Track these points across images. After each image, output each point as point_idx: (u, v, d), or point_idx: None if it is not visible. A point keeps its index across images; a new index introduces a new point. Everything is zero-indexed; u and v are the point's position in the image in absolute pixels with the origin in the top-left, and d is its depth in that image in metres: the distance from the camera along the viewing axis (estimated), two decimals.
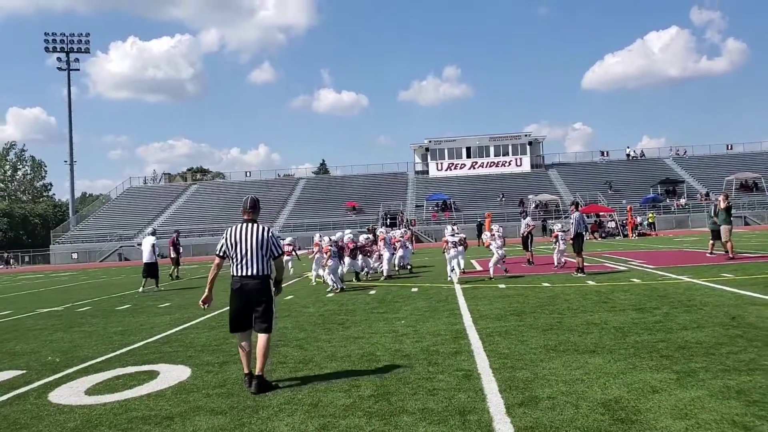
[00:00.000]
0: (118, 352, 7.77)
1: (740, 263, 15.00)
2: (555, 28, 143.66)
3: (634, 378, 5.19)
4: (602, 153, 70.57)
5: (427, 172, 68.31)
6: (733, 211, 17.45)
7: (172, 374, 6.29)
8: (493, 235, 15.24)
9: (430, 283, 14.64)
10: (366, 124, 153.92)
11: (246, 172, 75.50)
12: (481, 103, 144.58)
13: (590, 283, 12.64)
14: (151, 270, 17.11)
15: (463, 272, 15.34)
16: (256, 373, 5.53)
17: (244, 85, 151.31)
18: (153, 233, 18.76)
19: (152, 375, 6.33)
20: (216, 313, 11.11)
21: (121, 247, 54.44)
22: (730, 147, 68.35)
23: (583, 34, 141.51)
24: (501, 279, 14.33)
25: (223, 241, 5.79)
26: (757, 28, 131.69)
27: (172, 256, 21.58)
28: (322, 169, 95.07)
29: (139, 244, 21.72)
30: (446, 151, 68.05)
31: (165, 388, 5.76)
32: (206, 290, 5.85)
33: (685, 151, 69.11)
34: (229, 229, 5.81)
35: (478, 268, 18.78)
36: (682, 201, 54.30)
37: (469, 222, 47.76)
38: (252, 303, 5.65)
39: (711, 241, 18.34)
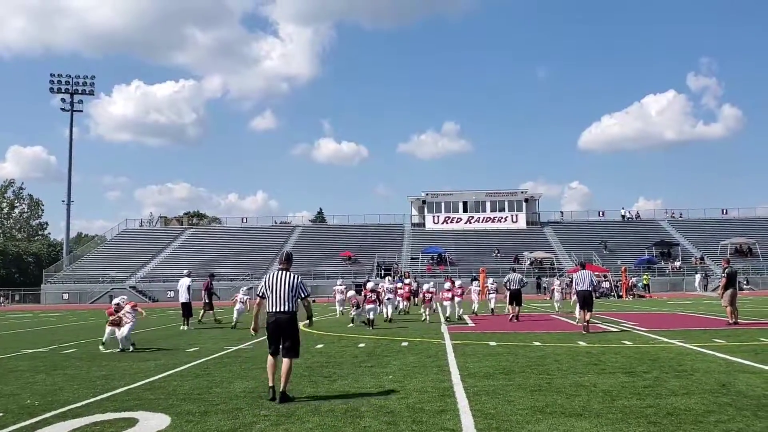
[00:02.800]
0: (99, 397, 7.63)
1: (733, 329, 14.93)
2: (553, 89, 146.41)
3: None
4: (599, 213, 70.98)
5: (423, 224, 68.53)
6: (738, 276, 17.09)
7: (150, 423, 6.17)
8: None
9: (421, 337, 14.50)
10: (365, 174, 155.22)
11: (242, 218, 75.53)
12: (479, 159, 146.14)
13: (581, 343, 12.54)
14: (187, 309, 18.68)
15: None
16: (281, 390, 7.08)
17: (245, 131, 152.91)
18: (188, 275, 19.88)
19: (131, 423, 6.20)
20: (202, 360, 10.99)
21: (112, 289, 54.00)
22: (725, 212, 68.86)
23: (581, 95, 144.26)
24: (492, 336, 14.22)
25: (263, 284, 7.49)
26: (753, 96, 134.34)
27: (206, 300, 20.92)
28: (319, 217, 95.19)
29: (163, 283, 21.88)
30: (443, 204, 68.40)
31: None
32: (253, 322, 7.86)
33: (681, 214, 69.60)
34: (267, 275, 7.56)
35: (470, 324, 18.65)
36: (677, 264, 54.35)
37: (464, 276, 47.57)
38: (283, 333, 7.26)
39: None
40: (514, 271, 21.24)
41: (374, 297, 18.10)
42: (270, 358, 7.38)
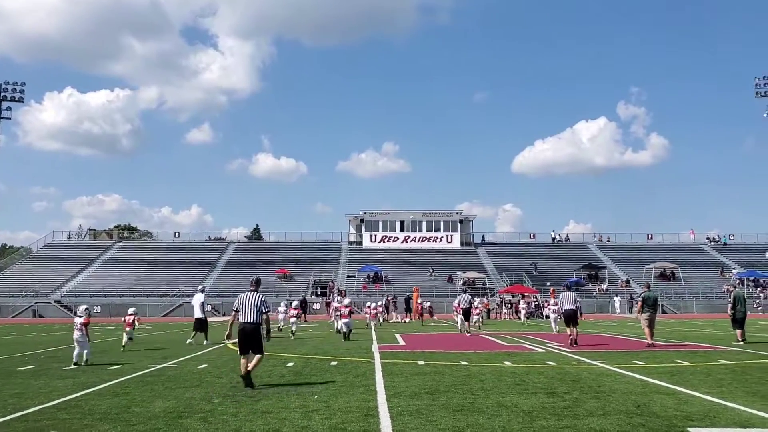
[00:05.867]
0: (8, 417, 7.30)
1: (652, 351, 15.49)
2: (489, 113, 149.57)
3: None
4: (530, 235, 72.71)
5: (360, 243, 68.60)
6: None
7: None
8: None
9: (351, 356, 14.48)
10: (303, 191, 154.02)
11: (175, 233, 73.70)
12: (417, 179, 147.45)
13: (507, 363, 12.78)
14: (201, 325, 18.70)
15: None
16: (249, 369, 9.39)
17: (181, 144, 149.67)
18: (202, 290, 20.27)
19: None
20: (123, 378, 10.67)
21: (36, 303, 51.72)
22: (650, 236, 71.63)
23: (515, 119, 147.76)
24: (422, 355, 14.34)
25: (237, 302, 9.78)
26: (679, 125, 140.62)
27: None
28: (256, 234, 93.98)
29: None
30: (380, 223, 68.74)
31: None
32: (228, 329, 10.60)
33: (609, 238, 71.99)
34: (241, 295, 9.84)
35: (402, 342, 18.75)
36: (604, 286, 56.11)
37: (399, 295, 47.76)
38: (249, 337, 9.57)
39: (739, 330, 18.18)
40: (465, 291, 24.27)
41: (348, 312, 20.45)
42: (241, 358, 9.56)
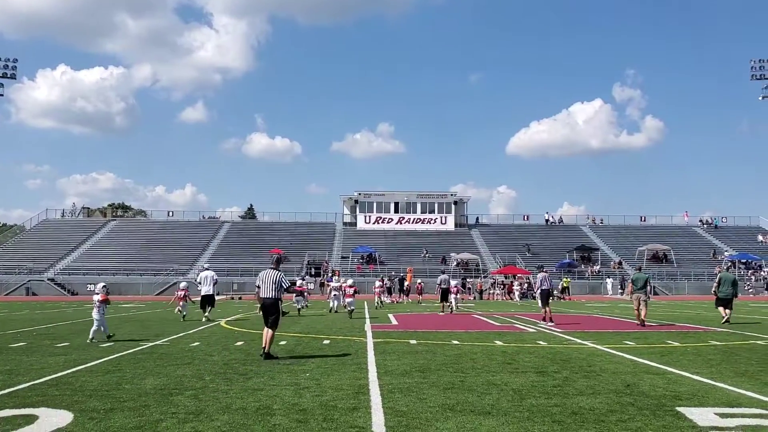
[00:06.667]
0: None
1: (643, 331, 15.59)
2: (485, 94, 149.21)
3: None
4: (524, 217, 72.87)
5: (355, 224, 68.68)
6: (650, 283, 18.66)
7: (51, 420, 5.93)
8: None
9: (344, 335, 14.52)
10: (298, 171, 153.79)
11: (169, 212, 73.64)
12: (412, 160, 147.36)
13: (498, 343, 12.84)
14: (209, 300, 19.38)
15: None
16: (266, 351, 10.15)
17: (175, 123, 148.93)
18: (209, 268, 20.91)
19: (30, 420, 5.95)
20: (115, 356, 10.66)
21: (29, 281, 51.67)
22: (643, 219, 71.97)
23: (511, 100, 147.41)
24: (414, 335, 14.39)
25: (258, 279, 10.59)
26: (674, 108, 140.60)
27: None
28: (250, 213, 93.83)
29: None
30: (375, 204, 68.75)
31: None
32: (257, 301, 10.77)
33: (602, 220, 72.25)
34: (262, 272, 10.64)
35: (394, 322, 18.82)
36: (596, 268, 56.38)
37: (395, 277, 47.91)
38: (268, 311, 10.38)
39: (722, 308, 18.45)
40: (443, 272, 25.72)
41: (352, 291, 21.50)
42: (265, 328, 10.37)
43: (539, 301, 24.02)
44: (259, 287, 10.51)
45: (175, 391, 7.37)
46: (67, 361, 10.03)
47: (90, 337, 13.10)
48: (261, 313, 10.59)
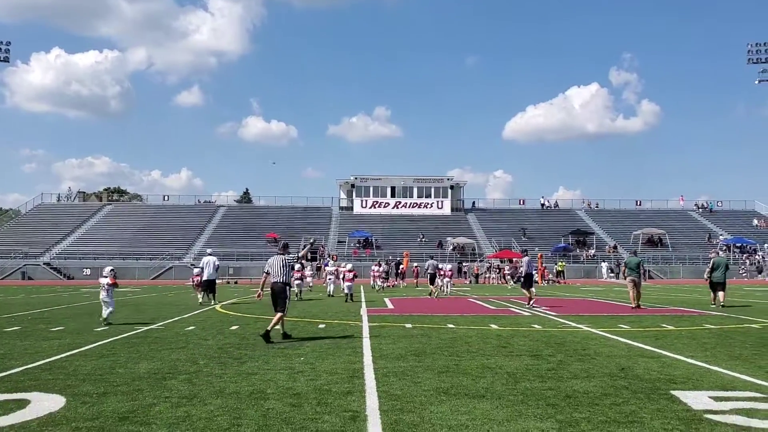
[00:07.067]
0: None
1: (638, 315, 15.62)
2: (481, 78, 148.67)
3: (517, 426, 5.22)
4: (520, 201, 72.90)
5: (351, 208, 68.56)
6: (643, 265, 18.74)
7: (43, 404, 5.90)
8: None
9: (339, 319, 14.52)
10: (294, 155, 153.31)
11: (164, 196, 73.34)
12: (408, 144, 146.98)
13: (493, 326, 12.85)
14: (210, 285, 19.51)
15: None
16: (267, 329, 10.37)
17: (170, 106, 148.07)
18: (212, 254, 20.74)
19: (22, 404, 5.92)
20: (109, 340, 10.64)
21: (25, 265, 51.50)
22: (638, 203, 72.06)
23: (507, 84, 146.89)
24: (409, 318, 14.40)
25: (267, 265, 10.79)
26: (670, 93, 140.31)
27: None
28: (245, 197, 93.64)
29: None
30: (371, 188, 68.61)
31: (32, 419, 5.39)
32: (260, 289, 11.14)
33: (597, 204, 72.28)
34: (271, 258, 10.88)
35: (390, 306, 18.83)
36: (591, 252, 56.48)
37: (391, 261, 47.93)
38: (276, 296, 10.59)
39: (713, 294, 18.46)
40: (431, 257, 27.03)
41: (351, 276, 21.85)
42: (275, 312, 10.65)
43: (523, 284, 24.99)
44: (268, 273, 10.72)
45: (169, 375, 7.35)
46: (61, 346, 10.01)
47: (104, 318, 13.24)
48: (271, 296, 10.74)
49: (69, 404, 5.92)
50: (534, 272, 23.24)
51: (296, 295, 22.10)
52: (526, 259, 19.70)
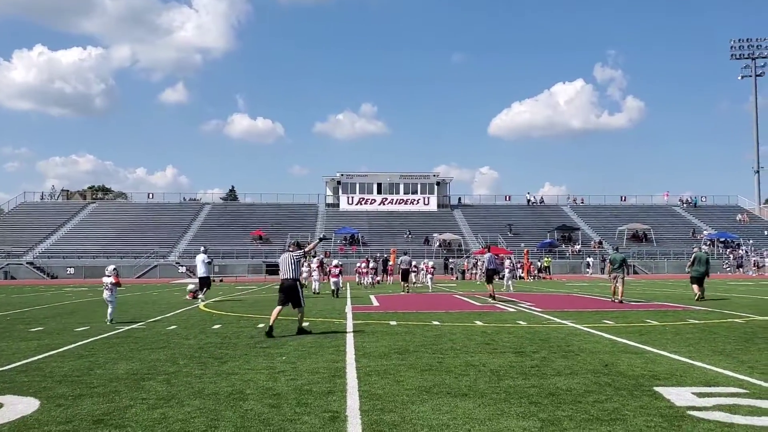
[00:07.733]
0: None
1: (622, 310, 15.63)
2: (467, 74, 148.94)
3: (498, 425, 5.14)
4: (505, 197, 73.06)
5: (337, 205, 68.43)
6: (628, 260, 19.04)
7: (16, 407, 5.76)
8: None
9: (323, 317, 14.42)
10: (280, 152, 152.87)
11: (149, 194, 72.86)
12: (395, 141, 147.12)
13: (478, 323, 12.80)
14: (204, 282, 19.90)
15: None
16: (299, 326, 11.13)
17: (155, 104, 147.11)
18: (205, 251, 20.94)
19: None
20: (89, 340, 10.47)
21: (7, 264, 50.92)
22: (623, 199, 72.45)
23: (493, 81, 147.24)
24: (394, 316, 14.32)
25: (279, 261, 11.16)
26: (654, 89, 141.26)
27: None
28: (231, 195, 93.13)
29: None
30: (357, 185, 68.51)
31: (3, 422, 5.25)
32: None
33: (582, 200, 72.60)
34: (282, 255, 11.33)
35: (375, 303, 18.75)
36: (577, 247, 56.72)
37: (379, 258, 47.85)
38: (288, 292, 10.87)
39: (695, 286, 18.86)
40: (405, 254, 27.37)
41: (338, 272, 22.57)
42: (277, 306, 10.96)
43: (507, 282, 25.82)
44: (280, 269, 11.14)
45: (147, 376, 7.23)
46: (40, 346, 9.84)
47: (108, 319, 13.21)
48: (279, 291, 11.04)
49: (43, 407, 5.78)
50: (506, 268, 26.23)
51: (314, 291, 23.78)
52: (488, 255, 20.49)
